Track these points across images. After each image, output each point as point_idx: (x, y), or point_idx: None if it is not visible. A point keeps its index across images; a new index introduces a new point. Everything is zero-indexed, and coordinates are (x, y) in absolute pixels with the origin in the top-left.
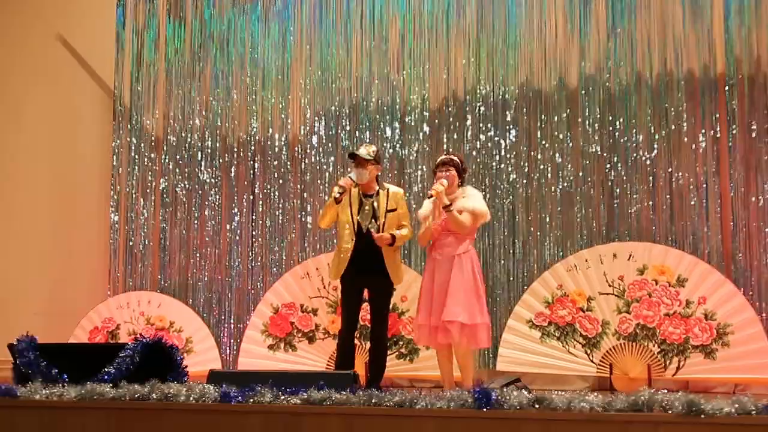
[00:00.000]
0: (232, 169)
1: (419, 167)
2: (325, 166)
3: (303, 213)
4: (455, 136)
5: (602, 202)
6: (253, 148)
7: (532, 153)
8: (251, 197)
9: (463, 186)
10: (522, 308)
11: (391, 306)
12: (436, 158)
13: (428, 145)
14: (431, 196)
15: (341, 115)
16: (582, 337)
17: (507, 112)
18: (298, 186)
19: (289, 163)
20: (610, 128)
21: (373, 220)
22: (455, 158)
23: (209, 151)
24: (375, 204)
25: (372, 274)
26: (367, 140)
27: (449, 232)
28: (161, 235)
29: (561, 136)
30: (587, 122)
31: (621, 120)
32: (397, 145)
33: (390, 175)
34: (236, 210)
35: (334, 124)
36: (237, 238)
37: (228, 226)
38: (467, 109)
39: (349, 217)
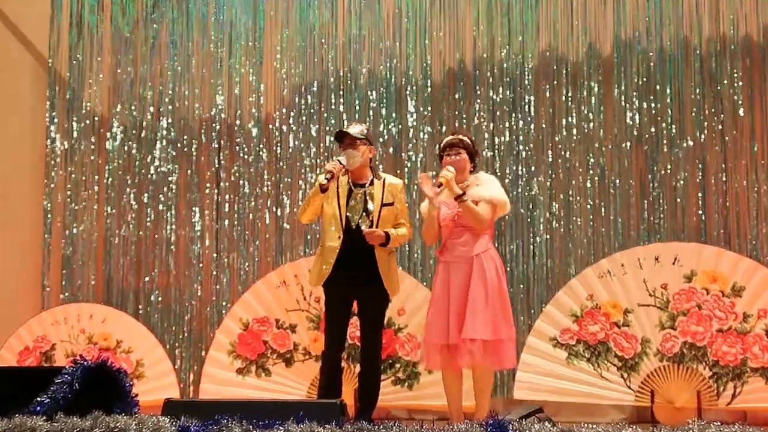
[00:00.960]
0: (193, 156)
1: (420, 153)
2: (305, 152)
3: (279, 208)
4: (463, 115)
5: (642, 194)
6: (218, 129)
7: (557, 136)
8: (216, 189)
9: (475, 172)
10: (544, 323)
11: (385, 321)
12: (441, 140)
13: (430, 126)
14: (439, 186)
15: (325, 90)
16: (617, 358)
17: (525, 86)
18: (274, 176)
19: (262, 147)
20: (651, 106)
21: (364, 215)
22: (465, 139)
23: (164, 133)
24: (367, 195)
25: (362, 281)
26: (357, 119)
27: (464, 228)
28: (106, 235)
29: (591, 115)
30: (623, 99)
31: (664, 96)
32: (392, 126)
33: (383, 162)
34: (198, 205)
35: (317, 101)
36: (199, 238)
37: (188, 224)
38: (477, 82)
39: (335, 211)
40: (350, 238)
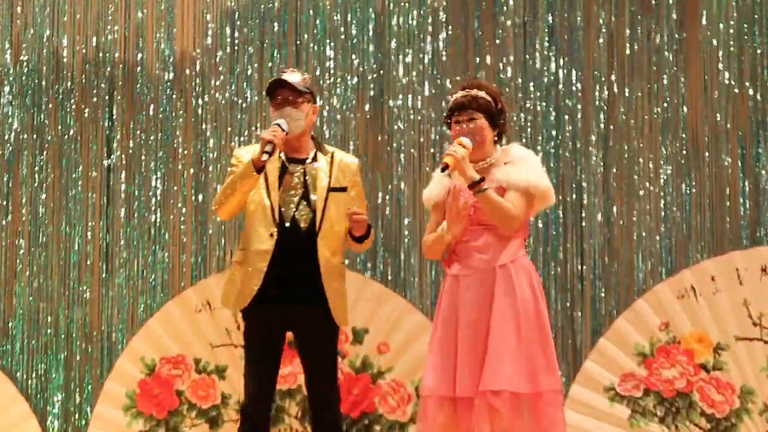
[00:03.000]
0: (71, 114)
1: (411, 113)
2: (242, 105)
3: (200, 192)
4: (475, 58)
5: (742, 174)
6: (108, 75)
7: (617, 94)
8: (106, 162)
9: (501, 144)
10: (596, 366)
11: (361, 361)
12: (449, 97)
13: (426, 71)
14: (445, 168)
15: (269, 17)
16: (705, 418)
17: (570, 14)
18: (192, 144)
19: (175, 102)
20: (756, 45)
21: (304, 203)
22: (482, 94)
23: (28, 80)
24: (308, 175)
25: (303, 301)
26: (314, 61)
27: (483, 227)
28: None
29: (666, 57)
30: (714, 34)
31: None
32: (370, 73)
33: (357, 127)
34: (79, 186)
35: (257, 33)
36: (80, 235)
37: (63, 216)
38: (498, 6)
39: (263, 198)
40: (286, 238)
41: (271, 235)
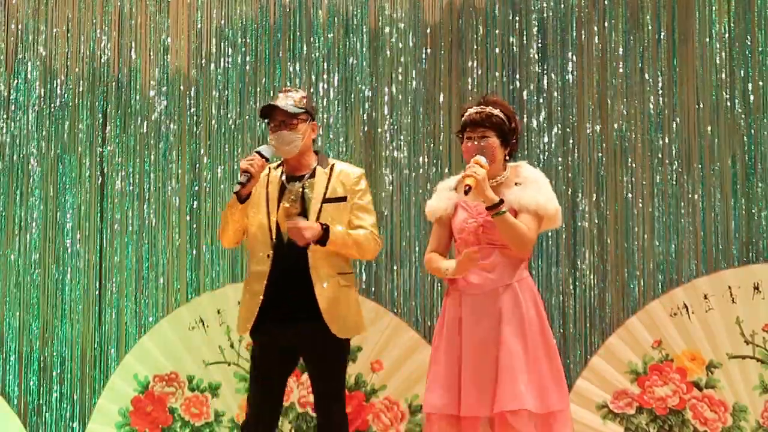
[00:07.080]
0: (65, 127)
1: (405, 136)
2: (236, 122)
3: (195, 209)
4: (474, 73)
5: (734, 188)
6: (101, 87)
7: (608, 102)
8: (99, 177)
9: (512, 161)
10: (589, 383)
11: (353, 379)
12: (463, 111)
13: (420, 92)
14: (467, 190)
15: (264, 35)
16: None
17: (563, 28)
18: (187, 159)
19: (167, 119)
20: (747, 52)
21: (300, 219)
22: (496, 113)
23: (18, 94)
24: (305, 190)
25: (304, 321)
26: (309, 79)
27: (492, 247)
28: None
29: (660, 84)
30: (706, 43)
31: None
32: (364, 91)
33: (350, 148)
34: (72, 200)
35: (252, 50)
36: (73, 251)
37: (56, 233)
38: (491, 23)
39: (263, 219)
40: (284, 258)
41: (268, 256)
